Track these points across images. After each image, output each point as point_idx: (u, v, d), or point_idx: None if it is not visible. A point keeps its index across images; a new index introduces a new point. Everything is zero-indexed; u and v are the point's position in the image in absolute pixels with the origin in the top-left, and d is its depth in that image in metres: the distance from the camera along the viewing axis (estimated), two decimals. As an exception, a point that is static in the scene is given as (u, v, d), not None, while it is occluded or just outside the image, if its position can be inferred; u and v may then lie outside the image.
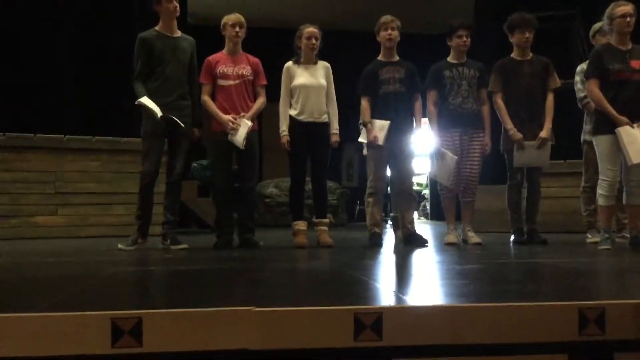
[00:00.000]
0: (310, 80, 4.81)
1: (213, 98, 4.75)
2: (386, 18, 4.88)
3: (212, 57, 4.78)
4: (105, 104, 7.36)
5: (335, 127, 4.88)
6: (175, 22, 4.70)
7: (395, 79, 4.86)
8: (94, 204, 6.44)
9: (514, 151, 4.85)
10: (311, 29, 4.83)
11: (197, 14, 9.92)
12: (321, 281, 2.83)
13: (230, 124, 4.60)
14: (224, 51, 4.82)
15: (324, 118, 4.84)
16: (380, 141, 4.73)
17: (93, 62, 8.04)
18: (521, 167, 4.92)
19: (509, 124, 4.86)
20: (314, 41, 4.80)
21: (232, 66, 4.74)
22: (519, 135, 4.81)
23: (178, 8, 4.66)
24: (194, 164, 8.35)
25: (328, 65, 4.93)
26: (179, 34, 4.74)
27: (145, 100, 4.49)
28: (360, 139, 5.16)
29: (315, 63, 4.88)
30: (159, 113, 4.46)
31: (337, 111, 4.90)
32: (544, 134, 4.81)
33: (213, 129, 4.77)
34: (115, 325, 1.66)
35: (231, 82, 4.72)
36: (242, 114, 4.67)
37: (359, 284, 2.55)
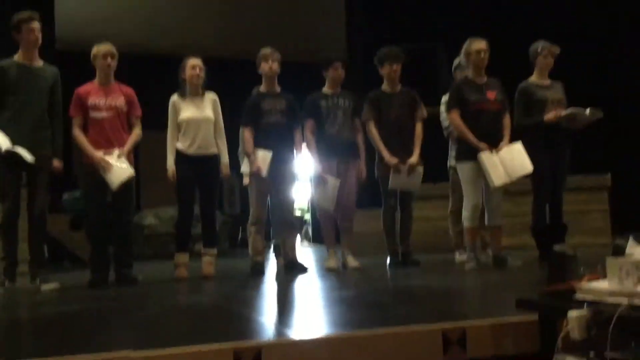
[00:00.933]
0: (196, 113, 4.78)
1: (85, 131, 4.57)
2: (266, 50, 4.97)
3: (82, 89, 4.60)
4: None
5: (225, 159, 4.88)
6: (35, 52, 4.48)
7: (276, 110, 4.95)
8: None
9: (391, 174, 5.06)
10: (194, 60, 4.82)
11: (65, 39, 9.52)
12: (202, 317, 2.82)
13: (102, 163, 4.44)
14: (95, 82, 4.66)
15: (213, 150, 4.83)
16: (264, 173, 4.78)
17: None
18: (395, 189, 5.15)
19: (384, 151, 5.09)
20: (197, 71, 4.78)
21: (104, 97, 4.59)
22: (395, 160, 5.03)
23: (39, 39, 4.45)
24: (66, 195, 7.97)
25: (216, 97, 4.92)
26: (40, 63, 4.53)
27: None
28: (242, 169, 5.19)
29: (202, 95, 4.86)
30: (4, 147, 4.23)
31: (225, 142, 4.91)
32: (413, 159, 5.08)
33: (84, 161, 4.59)
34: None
35: (104, 115, 4.57)
36: (117, 151, 4.52)
37: (240, 319, 2.57)
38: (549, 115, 4.75)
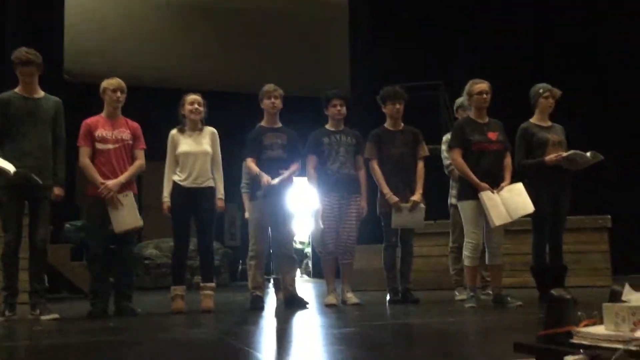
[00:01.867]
0: (194, 147, 4.85)
1: (90, 161, 4.63)
2: (269, 87, 5.06)
3: (90, 120, 4.68)
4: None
5: (221, 193, 4.92)
6: (35, 84, 4.54)
7: (277, 144, 5.01)
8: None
9: (392, 213, 5.10)
10: (193, 96, 4.91)
11: (72, 71, 9.68)
12: (200, 353, 2.82)
13: (114, 200, 4.51)
14: (103, 115, 4.74)
15: (209, 183, 4.88)
16: (275, 181, 4.80)
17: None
18: (398, 228, 5.18)
19: (386, 188, 5.13)
20: (197, 106, 4.87)
21: (111, 130, 4.67)
22: (395, 199, 5.08)
23: (35, 80, 4.50)
24: (67, 225, 7.98)
25: (214, 131, 4.99)
26: (41, 94, 4.59)
27: None
28: (246, 215, 5.23)
29: (201, 130, 4.93)
30: (12, 169, 4.27)
31: (222, 176, 4.96)
32: (415, 197, 5.12)
33: (89, 193, 4.64)
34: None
35: (110, 146, 4.64)
36: (130, 193, 4.60)
37: (239, 355, 2.57)
38: (550, 157, 4.79)
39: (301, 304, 4.87)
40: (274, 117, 5.10)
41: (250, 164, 4.98)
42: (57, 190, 4.58)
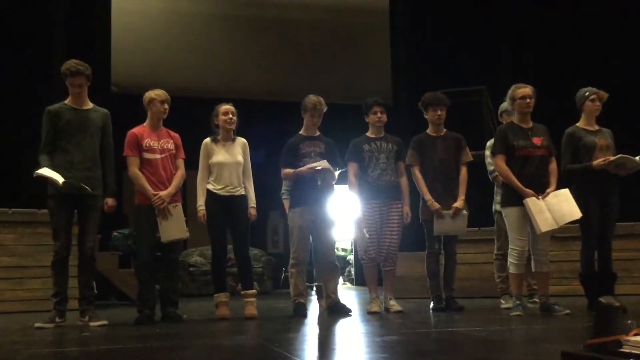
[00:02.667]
0: (227, 157, 4.92)
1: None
2: (314, 103, 5.04)
3: (136, 130, 4.79)
4: (21, 174, 7.17)
5: (253, 201, 4.98)
6: (84, 95, 4.65)
7: (315, 152, 5.03)
8: (8, 279, 6.16)
9: (434, 220, 5.07)
10: (227, 106, 4.99)
11: (120, 83, 9.94)
12: (244, 358, 2.85)
13: (164, 210, 4.63)
14: (146, 125, 4.84)
15: (242, 191, 4.94)
16: (322, 164, 4.82)
17: (8, 132, 7.88)
18: (440, 235, 5.14)
19: (427, 195, 5.10)
20: (230, 116, 4.94)
21: (157, 140, 4.78)
22: (437, 205, 5.04)
23: (84, 91, 4.60)
24: (115, 233, 8.16)
25: (245, 142, 5.08)
26: (90, 105, 4.71)
27: (44, 171, 4.40)
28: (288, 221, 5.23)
29: (234, 140, 5.00)
30: (61, 180, 4.39)
31: (253, 185, 5.03)
32: (457, 204, 5.07)
33: (137, 202, 4.75)
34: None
35: (157, 156, 4.75)
36: (179, 205, 4.73)
37: (281, 362, 2.59)
38: (598, 161, 4.68)
39: (344, 312, 4.87)
40: (313, 127, 5.14)
41: (286, 171, 5.03)
42: (111, 202, 4.69)
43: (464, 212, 5.11)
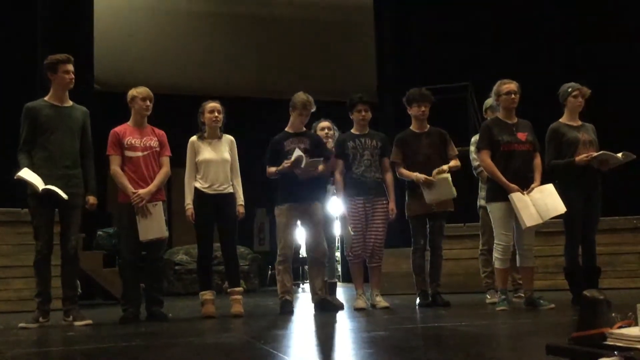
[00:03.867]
0: (213, 155, 4.89)
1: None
2: (303, 102, 4.99)
3: (118, 129, 4.75)
4: (2, 174, 7.09)
5: (241, 199, 4.96)
6: (66, 93, 4.61)
7: (300, 149, 5.00)
8: (-10, 279, 6.09)
9: (423, 191, 4.99)
10: (213, 104, 4.94)
11: (103, 80, 9.85)
12: (230, 357, 2.83)
13: (143, 209, 4.57)
14: (130, 123, 4.80)
15: (229, 189, 4.91)
16: (300, 154, 4.74)
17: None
18: (432, 203, 5.02)
19: (412, 174, 5.04)
20: (216, 114, 4.89)
21: (140, 138, 4.74)
22: (422, 176, 4.99)
23: (73, 80, 4.59)
24: (100, 232, 8.11)
25: (232, 139, 5.04)
26: (70, 103, 4.66)
27: (25, 173, 4.35)
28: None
29: (220, 138, 4.97)
30: (40, 186, 4.34)
31: (240, 183, 5.00)
32: (443, 166, 5.00)
33: (120, 200, 4.71)
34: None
35: (139, 154, 4.70)
36: (160, 203, 4.66)
37: (268, 359, 2.58)
38: (581, 157, 4.71)
39: (333, 308, 4.88)
40: (300, 124, 5.11)
41: (270, 169, 5.00)
42: (92, 200, 4.65)
43: (445, 175, 4.99)
